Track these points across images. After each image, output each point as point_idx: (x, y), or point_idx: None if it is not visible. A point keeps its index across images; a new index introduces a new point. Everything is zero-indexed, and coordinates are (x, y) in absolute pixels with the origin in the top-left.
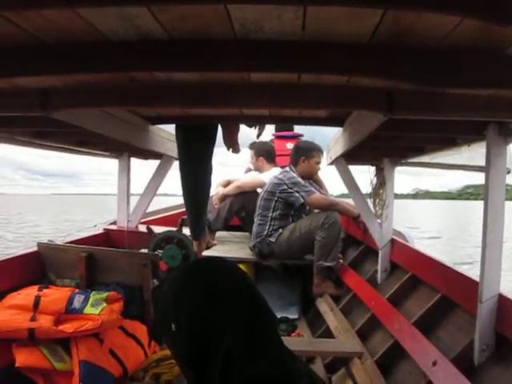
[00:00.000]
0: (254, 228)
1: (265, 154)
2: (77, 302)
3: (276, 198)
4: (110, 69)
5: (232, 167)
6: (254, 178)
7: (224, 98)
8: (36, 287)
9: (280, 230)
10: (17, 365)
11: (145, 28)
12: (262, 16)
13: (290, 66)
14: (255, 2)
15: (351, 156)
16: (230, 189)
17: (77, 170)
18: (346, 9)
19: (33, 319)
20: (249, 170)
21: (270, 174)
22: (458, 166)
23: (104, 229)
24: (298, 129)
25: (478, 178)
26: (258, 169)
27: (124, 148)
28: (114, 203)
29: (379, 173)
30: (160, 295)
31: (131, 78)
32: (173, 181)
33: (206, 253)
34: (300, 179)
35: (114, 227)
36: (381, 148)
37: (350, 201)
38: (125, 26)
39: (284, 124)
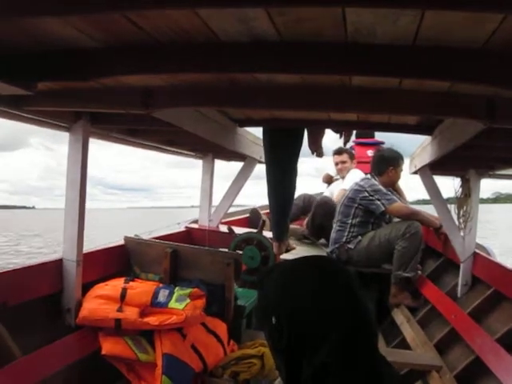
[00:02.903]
0: (333, 234)
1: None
2: (162, 297)
3: (356, 205)
4: (217, 68)
5: (303, 176)
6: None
7: (322, 101)
8: (122, 279)
9: (359, 237)
10: (103, 352)
11: (259, 30)
12: (378, 20)
13: (395, 71)
14: (375, 5)
15: (437, 165)
16: None
17: (152, 184)
18: (464, 14)
19: (119, 310)
20: (329, 177)
21: (355, 176)
22: None
23: (186, 227)
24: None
25: None
26: (347, 171)
27: (209, 149)
28: (178, 214)
29: (464, 184)
30: (267, 282)
31: (232, 79)
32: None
33: (284, 256)
34: (381, 187)
35: (195, 226)
36: (469, 158)
37: (424, 208)
38: (239, 28)
39: (372, 130)
